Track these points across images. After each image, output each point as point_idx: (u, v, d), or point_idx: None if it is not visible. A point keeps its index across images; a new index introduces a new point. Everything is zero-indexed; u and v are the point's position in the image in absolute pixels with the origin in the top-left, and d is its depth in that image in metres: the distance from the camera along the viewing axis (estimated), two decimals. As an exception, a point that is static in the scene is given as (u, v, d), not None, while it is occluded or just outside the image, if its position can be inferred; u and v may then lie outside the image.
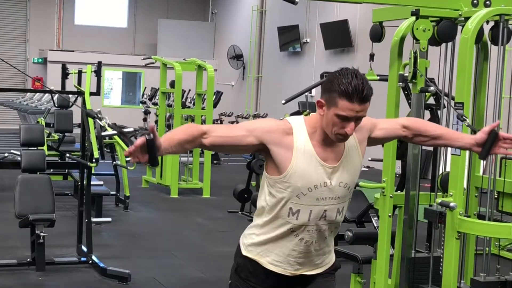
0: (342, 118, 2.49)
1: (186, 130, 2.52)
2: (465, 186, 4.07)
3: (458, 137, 2.86)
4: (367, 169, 13.88)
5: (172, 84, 10.97)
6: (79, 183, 6.50)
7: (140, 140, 2.37)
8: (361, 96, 2.46)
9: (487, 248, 4.11)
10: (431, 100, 4.76)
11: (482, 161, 4.36)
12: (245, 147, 2.60)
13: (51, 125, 10.51)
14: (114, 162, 9.08)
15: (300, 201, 2.61)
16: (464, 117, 3.59)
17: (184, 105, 11.63)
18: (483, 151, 2.77)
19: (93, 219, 6.42)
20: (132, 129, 12.49)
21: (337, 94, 2.47)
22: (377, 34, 4.39)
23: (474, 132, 3.22)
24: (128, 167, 8.62)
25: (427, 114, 4.55)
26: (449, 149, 3.97)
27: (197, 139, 2.52)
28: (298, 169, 2.57)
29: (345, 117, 2.49)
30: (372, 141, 2.79)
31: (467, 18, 3.91)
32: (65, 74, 9.37)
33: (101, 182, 8.30)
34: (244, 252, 2.75)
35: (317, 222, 2.65)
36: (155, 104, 14.87)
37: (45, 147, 7.64)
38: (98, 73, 7.08)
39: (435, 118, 4.75)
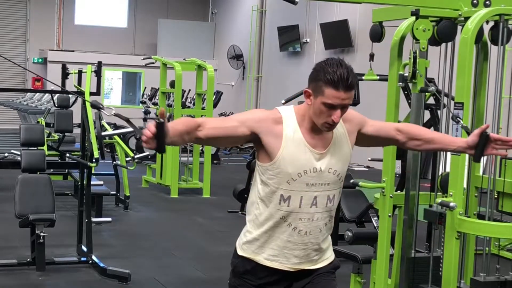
0: (328, 106, 2.57)
1: (185, 122, 2.58)
2: (465, 186, 4.07)
3: (451, 141, 2.94)
4: (367, 169, 13.91)
5: (172, 84, 10.97)
6: (79, 183, 6.50)
7: (153, 126, 2.41)
8: (346, 84, 2.54)
9: (487, 248, 4.11)
10: (431, 100, 4.76)
11: (482, 160, 4.37)
12: (238, 137, 2.67)
13: (51, 125, 10.52)
14: (114, 162, 9.08)
15: (291, 187, 2.66)
16: (458, 118, 3.62)
17: (184, 105, 11.62)
18: (476, 153, 2.84)
19: (93, 219, 6.41)
20: (131, 129, 12.53)
21: (323, 83, 2.56)
22: (377, 34, 4.39)
23: (468, 133, 3.27)
24: (128, 167, 8.64)
25: (427, 114, 4.55)
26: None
27: (193, 131, 2.58)
28: (287, 155, 2.64)
29: (331, 105, 2.57)
30: (364, 138, 2.83)
31: (467, 18, 3.91)
32: (65, 74, 9.36)
33: (101, 182, 8.28)
34: (240, 252, 2.80)
35: (309, 209, 2.69)
36: (155, 104, 14.87)
37: (45, 147, 7.64)
38: (98, 73, 7.09)
39: (435, 118, 4.75)
